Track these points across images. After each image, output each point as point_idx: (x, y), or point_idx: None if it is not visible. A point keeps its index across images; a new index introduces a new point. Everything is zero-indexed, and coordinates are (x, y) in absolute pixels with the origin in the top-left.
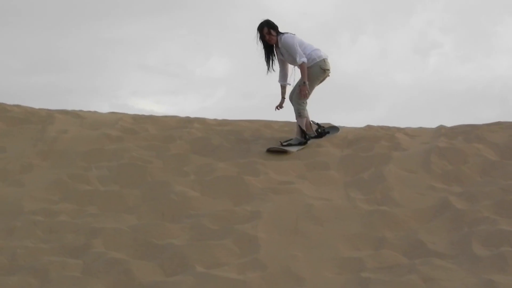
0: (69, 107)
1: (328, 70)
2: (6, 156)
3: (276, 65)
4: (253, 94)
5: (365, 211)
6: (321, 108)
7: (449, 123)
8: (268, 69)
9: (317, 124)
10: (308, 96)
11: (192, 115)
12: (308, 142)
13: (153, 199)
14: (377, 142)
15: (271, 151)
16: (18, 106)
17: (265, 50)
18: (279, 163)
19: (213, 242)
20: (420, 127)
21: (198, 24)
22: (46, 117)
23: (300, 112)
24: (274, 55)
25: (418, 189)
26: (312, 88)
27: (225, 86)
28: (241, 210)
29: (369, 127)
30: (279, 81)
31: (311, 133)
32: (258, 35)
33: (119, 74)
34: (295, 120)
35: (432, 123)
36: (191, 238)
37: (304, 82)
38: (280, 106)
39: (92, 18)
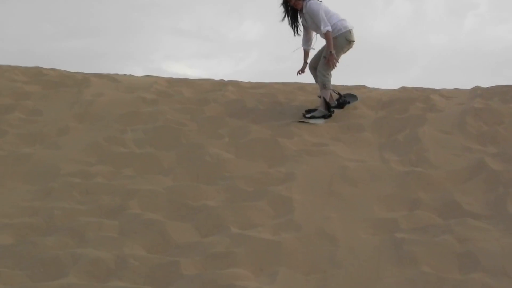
0: (104, 71)
1: (353, 41)
2: (43, 119)
3: (301, 29)
4: (286, 57)
5: (400, 173)
6: (355, 70)
7: (485, 84)
8: (294, 33)
9: (338, 93)
10: (335, 66)
11: (226, 79)
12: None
13: (188, 161)
14: (412, 103)
15: (299, 121)
16: (54, 69)
17: (288, 15)
18: (314, 125)
19: (248, 204)
20: (456, 88)
21: None
22: (82, 80)
23: (325, 84)
24: (298, 20)
25: (453, 150)
26: (338, 58)
27: (258, 50)
28: (275, 172)
29: (403, 89)
30: (302, 45)
31: (331, 103)
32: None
33: (152, 38)
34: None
35: (468, 84)
36: (225, 200)
37: (331, 52)
38: (302, 70)
39: None
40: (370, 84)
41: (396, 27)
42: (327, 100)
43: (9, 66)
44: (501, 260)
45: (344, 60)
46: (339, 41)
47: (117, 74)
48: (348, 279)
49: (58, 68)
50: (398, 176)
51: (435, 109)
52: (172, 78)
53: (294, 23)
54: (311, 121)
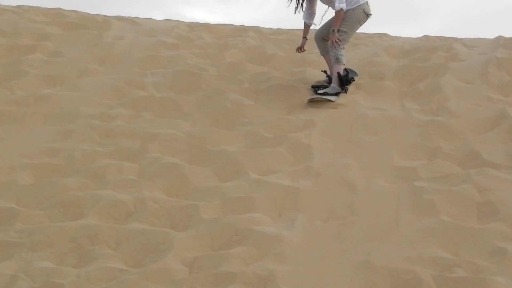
0: (124, 14)
1: (371, 14)
2: (63, 61)
3: (305, 3)
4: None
5: (421, 122)
6: (376, 19)
7: (508, 34)
8: (297, 8)
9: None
10: (346, 42)
11: (246, 24)
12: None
13: (208, 106)
14: (434, 52)
15: (312, 101)
16: (74, 11)
17: None
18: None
19: (267, 150)
20: (478, 38)
21: None
22: (103, 23)
23: (338, 58)
24: None
25: (475, 100)
26: (352, 32)
27: None
28: (295, 118)
29: (426, 37)
30: (304, 18)
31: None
32: None
33: None
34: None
35: (491, 35)
36: (245, 145)
37: (333, 30)
38: (301, 48)
39: None
40: (390, 33)
41: None
42: (342, 75)
43: (30, 6)
44: None
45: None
46: (356, 14)
47: (137, 18)
48: (366, 227)
49: (79, 10)
50: (419, 125)
51: (457, 58)
52: (193, 23)
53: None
54: (324, 97)
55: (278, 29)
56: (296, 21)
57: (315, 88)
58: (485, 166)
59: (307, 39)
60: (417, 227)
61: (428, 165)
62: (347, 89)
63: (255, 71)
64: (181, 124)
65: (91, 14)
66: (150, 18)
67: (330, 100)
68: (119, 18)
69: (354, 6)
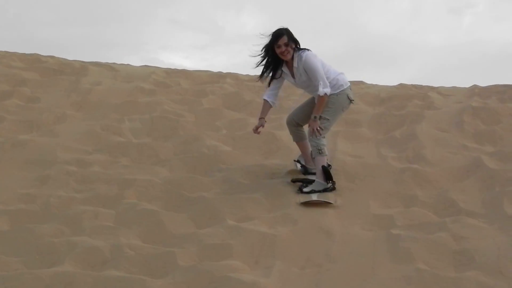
0: (102, 60)
1: (353, 100)
2: (40, 107)
3: (270, 78)
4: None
5: (397, 169)
6: (352, 66)
7: (483, 83)
8: (262, 76)
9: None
10: (328, 130)
11: (223, 71)
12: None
13: (185, 153)
14: (410, 100)
15: (305, 204)
16: (52, 57)
17: (268, 61)
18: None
19: (244, 196)
20: (454, 87)
21: None
22: (80, 68)
23: (321, 149)
24: (276, 72)
25: (450, 148)
26: (335, 120)
27: (256, 41)
28: (271, 164)
29: (402, 86)
30: (266, 96)
31: (312, 168)
32: (270, 42)
33: (149, 29)
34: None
35: (466, 83)
36: (222, 192)
37: (315, 117)
38: (258, 129)
39: None
40: (367, 80)
41: (393, 25)
42: (326, 167)
43: (7, 52)
44: (496, 259)
45: (342, 55)
46: (340, 100)
47: (115, 63)
48: (343, 274)
49: (56, 55)
50: (395, 173)
51: (433, 106)
52: (170, 69)
53: (269, 71)
54: (315, 196)
55: (256, 76)
56: None
57: (296, 182)
58: (461, 214)
59: (265, 120)
60: (394, 275)
61: (404, 213)
62: (335, 183)
63: (232, 117)
64: (158, 170)
65: (68, 60)
66: (128, 64)
67: (329, 203)
68: (97, 64)
69: (338, 91)
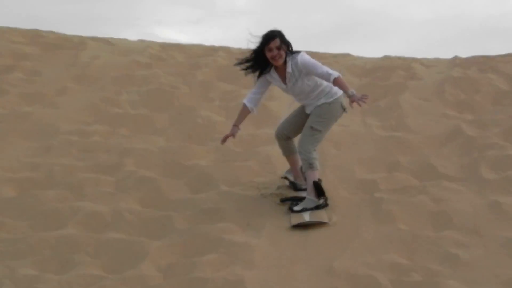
0: (99, 35)
1: (347, 109)
2: (41, 80)
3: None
4: (272, 25)
5: (380, 137)
6: (339, 39)
7: (464, 54)
8: (247, 69)
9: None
10: (319, 142)
11: (216, 45)
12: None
13: (180, 123)
14: (394, 71)
15: (297, 226)
16: (52, 32)
17: (256, 65)
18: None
19: (236, 163)
20: (436, 58)
21: None
22: (79, 43)
23: (312, 163)
24: (265, 74)
25: (432, 116)
26: (327, 131)
27: (247, 18)
28: (263, 133)
29: (386, 57)
30: (247, 101)
31: (302, 184)
32: (261, 45)
33: (144, 4)
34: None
35: (448, 55)
36: (215, 160)
37: (351, 93)
38: (226, 138)
39: None
40: (354, 52)
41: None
42: (317, 182)
43: (8, 27)
44: (473, 219)
45: (331, 29)
46: (334, 109)
47: (112, 38)
48: (329, 235)
49: (55, 31)
50: (379, 140)
51: (416, 77)
52: (165, 43)
53: (255, 68)
54: (307, 217)
55: (247, 49)
56: None
57: (286, 201)
58: (440, 178)
59: (239, 129)
60: (376, 235)
61: (387, 178)
62: (327, 199)
63: (225, 89)
64: (155, 139)
65: (67, 35)
66: (125, 39)
67: (323, 222)
68: (95, 39)
69: (332, 99)
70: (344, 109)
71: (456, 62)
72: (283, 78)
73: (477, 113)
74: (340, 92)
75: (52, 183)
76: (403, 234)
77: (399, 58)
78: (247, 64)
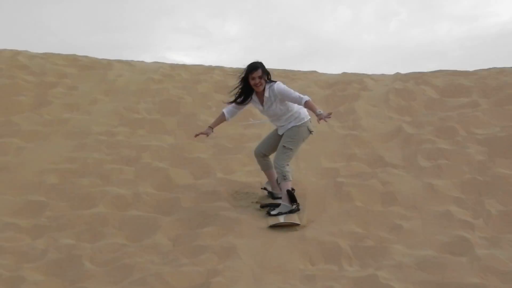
0: (122, 58)
1: (313, 131)
2: (78, 93)
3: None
4: (257, 49)
5: (341, 135)
6: (308, 60)
7: (404, 71)
8: (235, 101)
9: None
10: (291, 158)
11: (213, 65)
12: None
13: (185, 125)
14: (350, 84)
15: (274, 226)
16: (86, 56)
17: (241, 90)
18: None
19: (229, 156)
20: (383, 74)
21: None
22: (107, 65)
23: (285, 175)
24: (247, 99)
25: (380, 118)
26: (297, 149)
27: (237, 44)
28: (249, 133)
29: (344, 74)
30: (225, 110)
31: (278, 193)
32: (245, 74)
33: (158, 34)
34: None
35: (391, 71)
36: (213, 153)
37: (319, 112)
38: (200, 134)
39: None
40: (319, 70)
41: (339, 28)
42: (290, 191)
43: (53, 53)
44: (412, 197)
45: (301, 52)
46: (302, 132)
47: (132, 60)
48: (302, 210)
49: (89, 55)
50: (339, 137)
51: (367, 88)
52: (173, 64)
53: (241, 98)
54: (282, 218)
55: (237, 68)
56: (249, 61)
57: (265, 207)
58: (387, 166)
59: (213, 131)
60: (339, 211)
61: (346, 166)
62: (299, 205)
63: (219, 99)
64: (166, 138)
65: (98, 58)
66: (142, 61)
67: (296, 224)
68: (119, 61)
69: (300, 123)
70: (310, 132)
71: (397, 77)
72: (261, 101)
73: (414, 115)
74: (307, 118)
75: (86, 172)
76: (359, 210)
77: (354, 74)
78: (237, 90)
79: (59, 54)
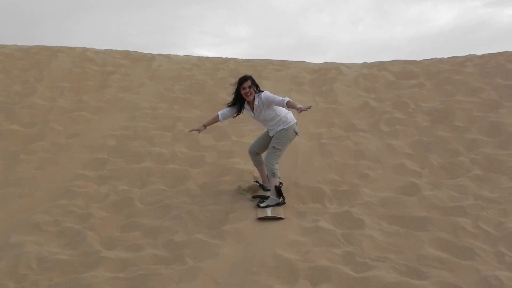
0: (162, 52)
1: (298, 133)
2: (130, 78)
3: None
4: (262, 46)
5: (323, 108)
6: (298, 53)
7: (369, 61)
8: (230, 105)
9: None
10: (280, 157)
11: (229, 57)
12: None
13: (208, 101)
14: (330, 70)
15: (262, 219)
16: (136, 52)
17: (235, 99)
18: (277, 80)
19: (242, 125)
20: (353, 63)
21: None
22: (151, 57)
23: (274, 172)
24: (241, 107)
25: (352, 96)
26: (285, 149)
27: (246, 42)
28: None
29: (325, 63)
30: (221, 113)
31: (268, 186)
32: (238, 85)
33: (188, 36)
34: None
35: (360, 61)
36: (230, 122)
37: (300, 108)
38: (193, 130)
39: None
40: (307, 60)
41: (323, 29)
42: (277, 186)
43: (112, 50)
44: (376, 153)
45: (294, 47)
46: (289, 133)
47: (169, 54)
48: (295, 164)
49: (138, 51)
50: (323, 110)
51: (342, 74)
52: (199, 57)
53: (237, 105)
54: (269, 212)
55: (247, 59)
56: (256, 56)
57: (256, 198)
58: (357, 131)
59: (205, 128)
60: (322, 164)
61: (327, 131)
62: (285, 198)
63: (234, 82)
64: (194, 111)
65: (145, 53)
66: (176, 55)
67: (280, 218)
68: (160, 55)
69: (287, 126)
70: (296, 133)
71: (364, 65)
72: (252, 109)
73: (377, 93)
74: (293, 121)
75: (136, 137)
76: (337, 163)
77: (332, 63)
78: (232, 99)
79: (116, 50)
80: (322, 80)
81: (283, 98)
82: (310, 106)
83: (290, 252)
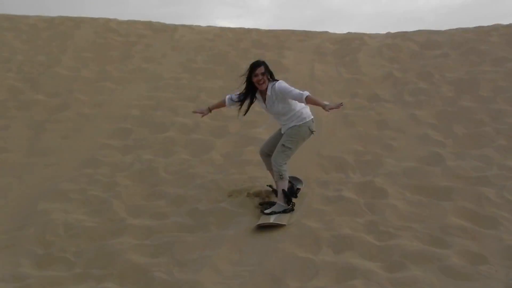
0: (185, 23)
1: (314, 131)
2: (153, 49)
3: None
4: (285, 18)
5: (347, 78)
6: (321, 24)
7: (393, 31)
8: (245, 114)
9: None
10: (289, 157)
11: (251, 28)
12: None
13: (232, 72)
14: (353, 41)
15: (261, 226)
16: (159, 22)
17: (247, 90)
18: (300, 50)
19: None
20: (377, 33)
21: None
22: (174, 28)
23: (282, 174)
24: (253, 97)
25: (376, 66)
26: (296, 148)
27: (268, 13)
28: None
29: (349, 33)
30: (228, 98)
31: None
32: (249, 72)
33: (211, 7)
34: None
35: (384, 31)
36: None
37: (325, 105)
38: (197, 112)
39: None
40: (330, 30)
41: (345, 1)
42: (286, 190)
43: (135, 20)
44: (399, 123)
45: (316, 18)
46: (303, 131)
47: (192, 25)
48: (318, 137)
49: (160, 21)
50: (346, 80)
51: (366, 44)
52: (222, 27)
53: (248, 96)
54: (272, 219)
55: (268, 30)
56: (278, 27)
57: (262, 205)
58: (381, 101)
59: (210, 112)
60: (345, 134)
61: (350, 102)
62: (294, 205)
63: (256, 52)
64: (216, 82)
65: (167, 24)
66: (199, 25)
67: (281, 224)
68: (182, 26)
69: (301, 123)
70: (312, 132)
71: (388, 35)
72: (264, 99)
73: (402, 63)
74: (309, 118)
75: (159, 107)
76: (360, 133)
77: (356, 33)
78: (243, 90)
79: (139, 21)
80: (346, 50)
81: (302, 92)
82: (342, 103)
83: (314, 221)
